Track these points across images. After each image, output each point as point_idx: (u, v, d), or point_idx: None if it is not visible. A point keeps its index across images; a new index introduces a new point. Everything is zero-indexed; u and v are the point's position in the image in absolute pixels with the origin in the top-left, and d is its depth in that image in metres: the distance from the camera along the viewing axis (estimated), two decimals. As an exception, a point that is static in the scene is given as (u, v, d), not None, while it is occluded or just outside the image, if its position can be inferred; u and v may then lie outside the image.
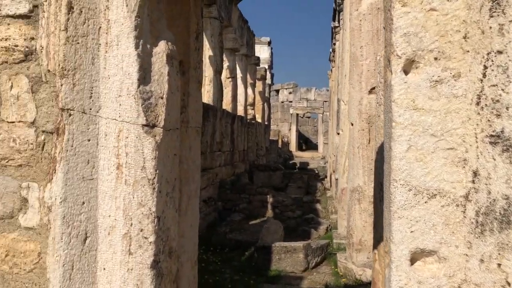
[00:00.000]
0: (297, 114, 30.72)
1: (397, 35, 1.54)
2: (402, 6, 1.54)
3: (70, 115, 1.67)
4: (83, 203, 1.69)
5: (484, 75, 1.43)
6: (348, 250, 6.23)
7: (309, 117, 34.49)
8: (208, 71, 11.23)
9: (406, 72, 1.55)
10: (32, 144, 1.73)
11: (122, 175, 1.67)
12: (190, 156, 2.25)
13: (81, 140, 1.69)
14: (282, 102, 31.15)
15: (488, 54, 1.43)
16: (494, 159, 1.40)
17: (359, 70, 5.93)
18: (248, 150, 15.05)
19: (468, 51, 1.49)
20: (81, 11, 1.68)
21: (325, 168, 18.10)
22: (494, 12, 1.43)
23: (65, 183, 1.66)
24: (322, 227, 9.15)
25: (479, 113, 1.45)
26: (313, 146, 32.52)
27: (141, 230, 1.66)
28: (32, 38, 1.74)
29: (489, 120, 1.42)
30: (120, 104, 1.68)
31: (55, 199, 1.66)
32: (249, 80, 15.96)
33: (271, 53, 27.67)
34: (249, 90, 15.87)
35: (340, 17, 11.63)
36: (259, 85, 17.54)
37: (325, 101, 29.00)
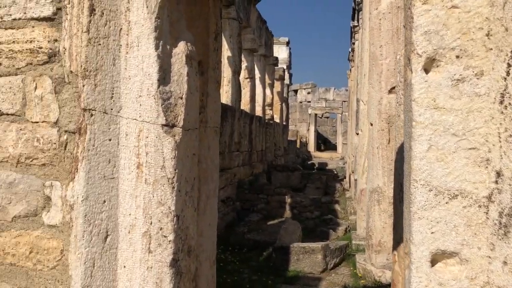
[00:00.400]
0: (316, 114, 30.59)
1: (418, 33, 1.52)
2: (423, 4, 1.52)
3: (91, 115, 1.70)
4: (104, 201, 1.72)
5: (508, 73, 1.41)
6: (367, 251, 6.17)
7: (327, 117, 34.30)
8: (226, 72, 11.27)
9: (426, 71, 1.54)
10: (55, 143, 1.77)
11: (142, 174, 1.70)
12: (209, 156, 2.26)
13: (102, 140, 1.72)
14: (301, 102, 31.05)
15: (511, 51, 1.40)
16: (518, 159, 1.37)
17: (378, 70, 5.88)
18: (266, 150, 15.05)
19: (491, 49, 1.47)
20: (103, 13, 1.71)
21: (344, 168, 17.98)
22: (518, 9, 1.40)
23: (86, 182, 1.69)
24: (340, 228, 9.09)
25: (502, 112, 1.42)
26: (331, 147, 32.32)
27: (161, 229, 1.68)
28: (56, 40, 1.78)
29: (512, 119, 1.39)
30: (140, 104, 1.70)
31: (77, 197, 1.69)
32: (267, 81, 15.96)
33: (290, 53, 27.62)
34: (267, 91, 15.88)
35: (359, 17, 11.54)
36: (277, 85, 17.53)
37: (344, 101, 28.80)
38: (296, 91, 31.64)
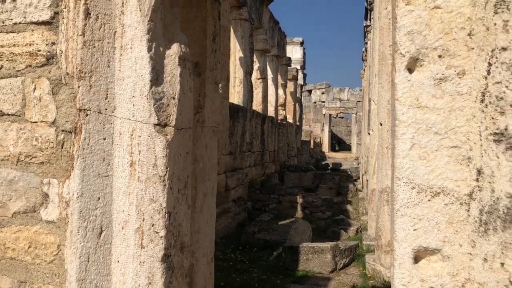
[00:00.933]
0: (330, 115, 30.47)
1: (401, 33, 1.54)
2: (406, 5, 1.55)
3: (86, 115, 1.77)
4: (99, 198, 1.78)
5: (489, 72, 1.42)
6: (377, 251, 6.15)
7: (342, 118, 34.13)
8: (238, 73, 11.34)
9: (410, 70, 1.56)
10: (52, 142, 1.84)
11: (135, 172, 1.75)
12: (206, 155, 2.31)
13: (97, 139, 1.79)
14: (315, 102, 30.97)
15: (492, 51, 1.42)
16: (498, 157, 1.39)
17: (387, 69, 5.86)
18: (279, 150, 15.07)
19: (473, 48, 1.49)
20: (98, 17, 1.78)
21: (358, 169, 17.89)
22: (499, 8, 1.42)
23: (81, 179, 1.76)
24: (352, 228, 9.06)
25: (483, 111, 1.44)
26: (346, 147, 32.16)
27: (153, 225, 1.73)
28: (53, 43, 1.85)
29: (493, 118, 1.40)
30: (133, 105, 1.76)
31: (73, 194, 1.76)
32: (280, 81, 15.98)
33: (304, 53, 27.58)
34: (280, 91, 15.90)
35: (372, 16, 11.49)
36: (290, 85, 17.53)
37: (359, 101, 28.64)
38: (310, 91, 31.57)
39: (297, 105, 19.23)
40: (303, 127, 24.48)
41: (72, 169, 1.77)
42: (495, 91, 1.40)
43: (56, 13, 1.85)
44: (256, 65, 13.03)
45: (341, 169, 18.74)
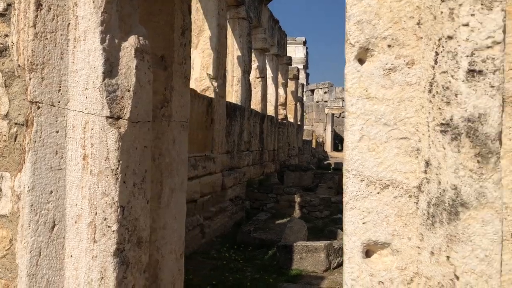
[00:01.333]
0: (333, 114, 30.36)
1: (351, 23, 1.51)
2: (356, -6, 1.52)
3: (38, 107, 1.75)
4: (51, 192, 1.77)
5: (436, 62, 1.39)
6: (369, 250, 6.10)
7: (344, 117, 33.94)
8: (236, 71, 11.31)
9: (361, 61, 1.53)
10: (5, 135, 1.83)
11: (88, 166, 1.73)
12: (174, 149, 2.29)
13: (49, 132, 1.77)
14: (317, 102, 30.88)
15: (439, 40, 1.38)
16: (444, 148, 1.35)
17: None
18: (279, 150, 15.02)
19: (421, 38, 1.45)
20: (50, 8, 1.76)
21: (359, 168, 17.75)
22: (446, -4, 1.38)
23: (33, 172, 1.74)
24: (348, 227, 8.98)
25: (431, 101, 1.40)
26: (350, 147, 31.90)
27: (105, 219, 1.71)
28: (6, 35, 1.83)
29: (439, 108, 1.37)
30: (86, 97, 1.74)
31: (24, 187, 1.74)
32: (281, 80, 15.94)
33: (307, 52, 27.52)
34: (281, 90, 15.85)
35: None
36: (291, 85, 17.48)
37: (362, 101, 28.41)
38: (312, 91, 31.49)
39: (298, 104, 19.18)
40: (305, 126, 24.42)
41: (24, 162, 1.75)
42: (441, 80, 1.37)
43: (9, 5, 1.83)
44: (255, 64, 13.01)
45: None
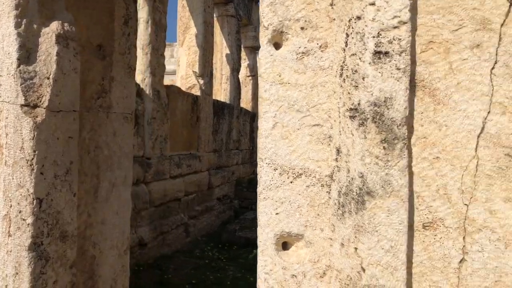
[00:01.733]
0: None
1: (264, 4, 1.45)
2: (269, -26, 1.45)
3: (-49, 95, 1.69)
4: (-35, 184, 1.71)
5: (346, 44, 1.32)
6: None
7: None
8: (225, 69, 11.24)
9: (278, 45, 1.46)
10: None
11: (2, 156, 1.67)
12: (114, 142, 2.22)
13: (-38, 121, 1.71)
14: (314, 101, 30.78)
15: (349, 21, 1.32)
16: (352, 135, 1.28)
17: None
18: (271, 148, 14.93)
19: (334, 19, 1.38)
20: (-37, -8, 1.70)
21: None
22: (356, -25, 1.31)
23: None
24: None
25: (341, 86, 1.33)
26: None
27: (20, 212, 1.64)
28: None
29: (349, 93, 1.30)
30: (0, 84, 1.68)
31: None
32: (273, 79, 15.85)
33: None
34: (273, 89, 15.76)
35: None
36: (284, 83, 17.40)
37: (358, 100, 28.37)
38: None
39: (292, 103, 19.08)
40: (300, 125, 24.29)
41: None
42: (351, 63, 1.30)
43: None
44: (245, 63, 12.93)
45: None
